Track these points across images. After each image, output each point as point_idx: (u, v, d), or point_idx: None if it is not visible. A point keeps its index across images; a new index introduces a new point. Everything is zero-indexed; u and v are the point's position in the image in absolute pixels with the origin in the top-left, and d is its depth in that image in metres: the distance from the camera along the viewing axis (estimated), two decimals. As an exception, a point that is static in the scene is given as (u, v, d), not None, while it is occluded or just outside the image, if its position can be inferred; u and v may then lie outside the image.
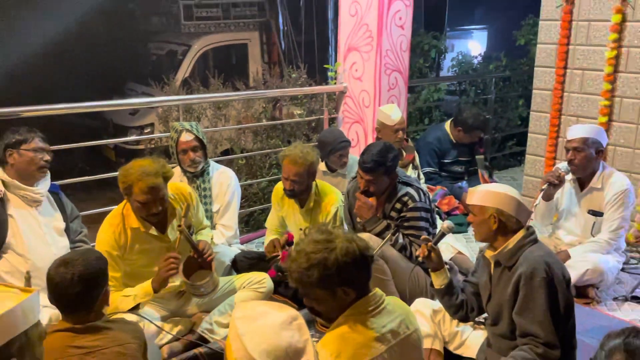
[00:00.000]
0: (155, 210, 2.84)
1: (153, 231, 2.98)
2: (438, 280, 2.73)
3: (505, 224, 2.46)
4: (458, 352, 2.82)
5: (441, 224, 2.84)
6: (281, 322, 1.37)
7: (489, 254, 2.56)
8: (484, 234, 2.52)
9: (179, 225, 2.91)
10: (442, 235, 2.79)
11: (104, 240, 2.91)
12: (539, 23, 5.03)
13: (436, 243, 2.75)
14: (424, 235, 2.93)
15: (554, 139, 5.00)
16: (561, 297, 2.35)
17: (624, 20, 4.47)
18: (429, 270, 2.77)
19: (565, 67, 4.86)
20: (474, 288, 2.74)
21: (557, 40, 4.87)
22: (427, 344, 2.73)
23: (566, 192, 3.83)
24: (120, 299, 2.83)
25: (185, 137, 3.57)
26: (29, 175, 2.95)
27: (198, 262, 3.02)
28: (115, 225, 2.94)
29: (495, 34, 13.50)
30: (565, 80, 4.88)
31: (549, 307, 2.31)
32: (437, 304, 2.89)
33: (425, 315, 2.83)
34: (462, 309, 2.75)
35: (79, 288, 2.04)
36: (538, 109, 5.14)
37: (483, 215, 2.48)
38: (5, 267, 2.89)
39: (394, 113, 4.53)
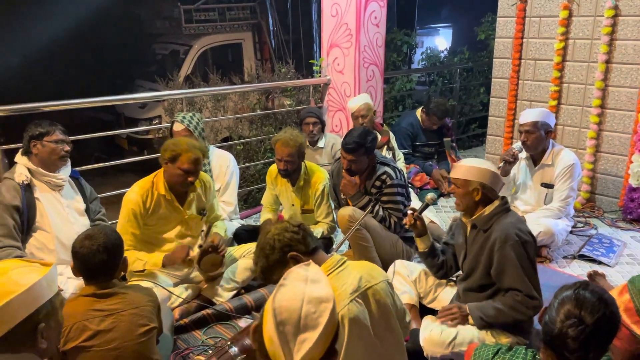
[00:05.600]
0: (193, 179, 2.90)
1: (174, 201, 3.00)
2: (422, 245, 2.75)
3: (486, 195, 2.47)
4: (431, 306, 2.86)
5: (426, 196, 2.85)
6: (316, 297, 1.26)
7: (465, 219, 2.58)
8: (467, 204, 2.52)
9: (200, 246, 2.98)
10: (427, 205, 2.80)
11: (133, 199, 2.92)
12: (496, 20, 5.02)
13: (421, 212, 2.76)
14: (411, 206, 2.94)
15: (511, 121, 5.02)
16: (530, 256, 2.38)
17: (570, 15, 4.48)
18: (414, 236, 2.79)
19: (520, 58, 4.87)
20: (452, 249, 2.77)
21: (512, 34, 4.87)
22: (405, 299, 2.77)
23: (522, 168, 3.87)
24: (135, 260, 2.86)
25: (177, 127, 3.55)
26: (51, 164, 2.92)
27: (211, 254, 3.00)
28: (146, 189, 2.95)
29: (459, 30, 13.46)
30: (520, 70, 4.89)
31: (521, 266, 2.35)
32: (412, 265, 2.92)
33: (403, 275, 2.87)
34: (443, 269, 2.78)
35: (104, 256, 2.06)
36: (497, 95, 5.15)
37: (467, 188, 2.48)
38: (36, 244, 2.87)
39: (353, 102, 4.47)
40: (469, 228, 2.57)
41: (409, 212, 2.76)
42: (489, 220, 2.46)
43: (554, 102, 4.65)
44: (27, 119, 3.10)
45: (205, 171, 3.63)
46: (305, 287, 1.27)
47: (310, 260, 1.42)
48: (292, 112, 5.69)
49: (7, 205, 2.76)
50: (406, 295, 2.79)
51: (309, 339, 1.22)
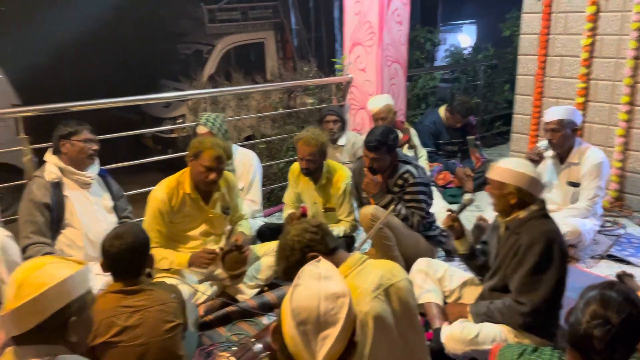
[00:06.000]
0: (214, 178, 2.95)
1: (199, 200, 3.05)
2: (462, 247, 2.73)
3: (523, 200, 2.42)
4: (455, 304, 2.84)
5: (463, 197, 2.82)
6: (332, 293, 1.26)
7: (500, 219, 2.55)
8: (502, 206, 2.47)
9: (221, 249, 3.01)
10: (464, 206, 2.78)
11: (159, 197, 2.98)
12: (521, 16, 4.96)
13: (458, 214, 2.74)
14: (448, 207, 2.92)
15: (537, 118, 4.96)
16: (553, 268, 2.31)
17: (598, 11, 4.40)
18: (453, 238, 2.77)
19: (545, 55, 4.80)
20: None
21: (538, 30, 4.80)
22: (429, 298, 2.76)
23: (548, 166, 3.82)
24: (161, 258, 2.92)
25: (200, 129, 3.59)
26: (80, 162, 2.98)
27: (235, 253, 3.04)
28: (172, 188, 3.02)
29: (483, 27, 13.28)
30: (546, 66, 4.83)
31: (532, 271, 2.31)
32: (437, 264, 2.90)
33: (428, 273, 2.85)
34: (484, 270, 2.74)
35: (132, 256, 2.11)
36: (522, 92, 5.09)
37: (502, 190, 2.43)
38: (66, 241, 2.94)
39: (372, 103, 4.43)
40: (502, 228, 2.54)
41: (447, 213, 2.73)
42: (522, 224, 2.41)
43: (581, 100, 4.57)
44: (55, 119, 3.18)
45: (229, 170, 3.68)
46: (320, 284, 1.28)
47: (320, 257, 1.43)
48: (314, 111, 5.71)
49: (38, 202, 2.83)
50: (431, 294, 2.77)
51: (331, 335, 1.23)
